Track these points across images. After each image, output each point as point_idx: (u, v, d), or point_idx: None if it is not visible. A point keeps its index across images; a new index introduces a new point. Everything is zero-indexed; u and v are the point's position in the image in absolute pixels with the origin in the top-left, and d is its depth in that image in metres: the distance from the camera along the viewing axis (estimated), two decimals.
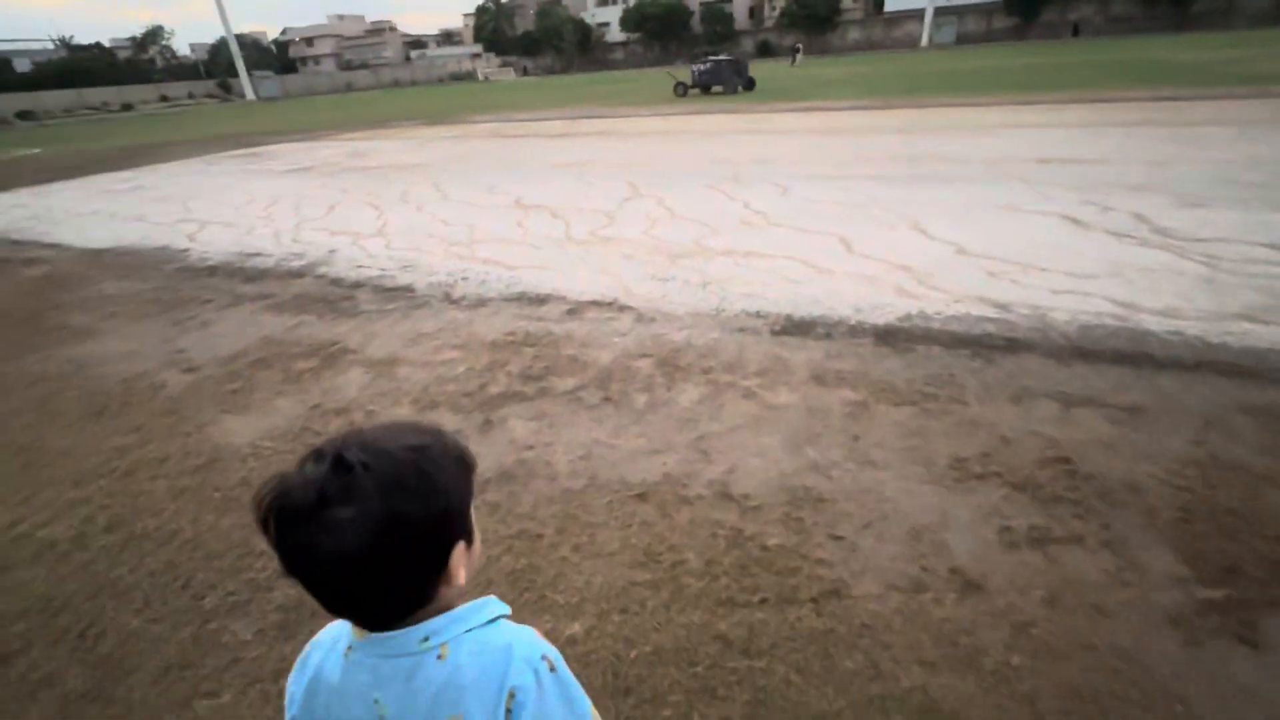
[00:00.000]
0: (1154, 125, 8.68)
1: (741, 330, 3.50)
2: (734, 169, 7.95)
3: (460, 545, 0.67)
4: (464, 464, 0.69)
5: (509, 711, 0.65)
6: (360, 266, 5.14)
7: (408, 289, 4.53)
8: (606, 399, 2.88)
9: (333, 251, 5.63)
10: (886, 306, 3.62)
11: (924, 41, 50.16)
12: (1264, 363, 2.75)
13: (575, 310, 3.91)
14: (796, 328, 3.47)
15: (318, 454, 0.61)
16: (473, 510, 0.71)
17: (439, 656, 0.65)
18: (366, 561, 0.59)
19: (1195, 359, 2.82)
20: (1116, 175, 6.11)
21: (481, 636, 0.68)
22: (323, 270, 5.14)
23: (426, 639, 0.66)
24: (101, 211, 8.48)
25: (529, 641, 0.70)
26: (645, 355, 3.27)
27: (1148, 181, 5.80)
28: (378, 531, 0.59)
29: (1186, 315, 3.22)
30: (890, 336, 3.28)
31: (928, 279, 3.95)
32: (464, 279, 4.64)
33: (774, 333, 3.44)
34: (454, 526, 0.66)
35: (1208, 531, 1.90)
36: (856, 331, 3.37)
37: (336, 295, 4.54)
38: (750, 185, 6.99)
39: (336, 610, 0.65)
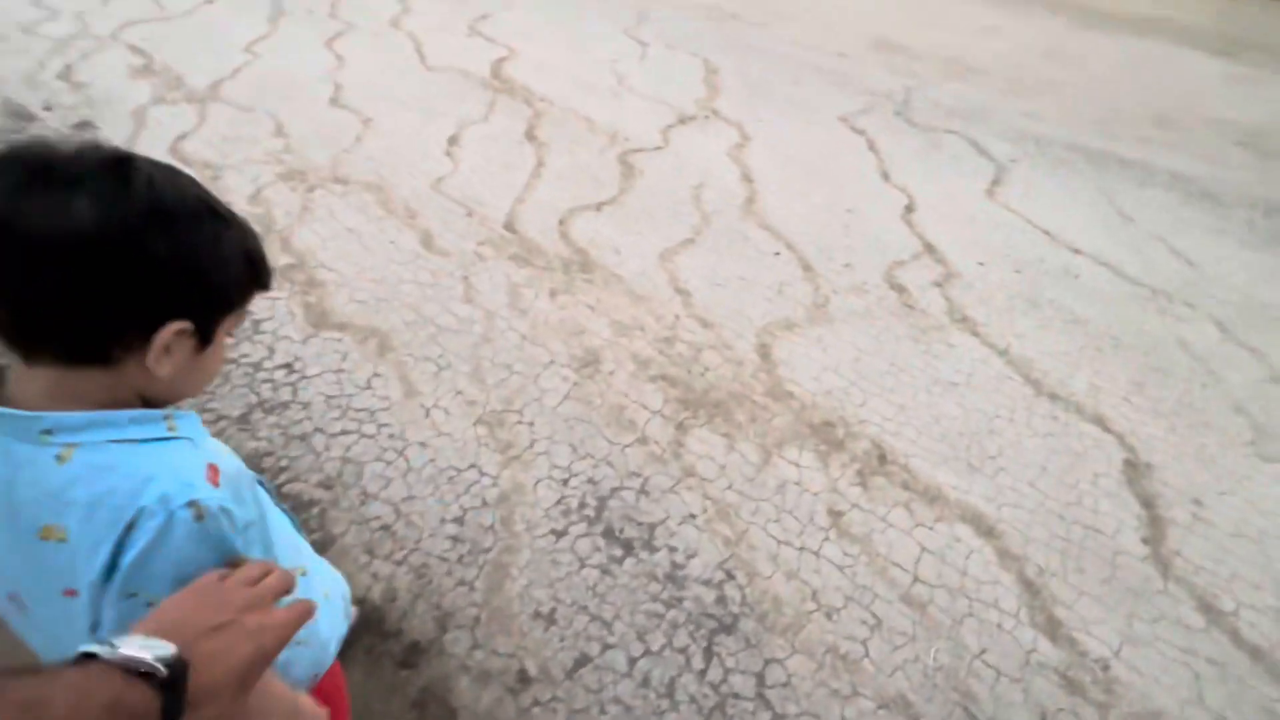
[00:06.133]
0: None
1: None
2: None
3: (182, 327, 0.54)
4: (251, 265, 0.60)
5: (121, 546, 0.51)
6: None
7: None
8: None
9: None
10: None
11: None
12: None
13: None
14: None
15: (96, 144, 0.51)
16: (226, 322, 0.59)
17: (58, 458, 0.52)
18: (62, 260, 0.48)
19: None
20: None
21: (124, 454, 0.54)
22: None
23: (49, 432, 0.52)
24: None
25: (184, 479, 0.54)
26: None
27: None
28: (103, 240, 0.48)
29: None
30: None
31: None
32: None
33: None
34: (189, 296, 0.54)
35: None
36: None
37: None
38: None
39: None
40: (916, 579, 1.54)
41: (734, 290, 2.37)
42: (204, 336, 0.57)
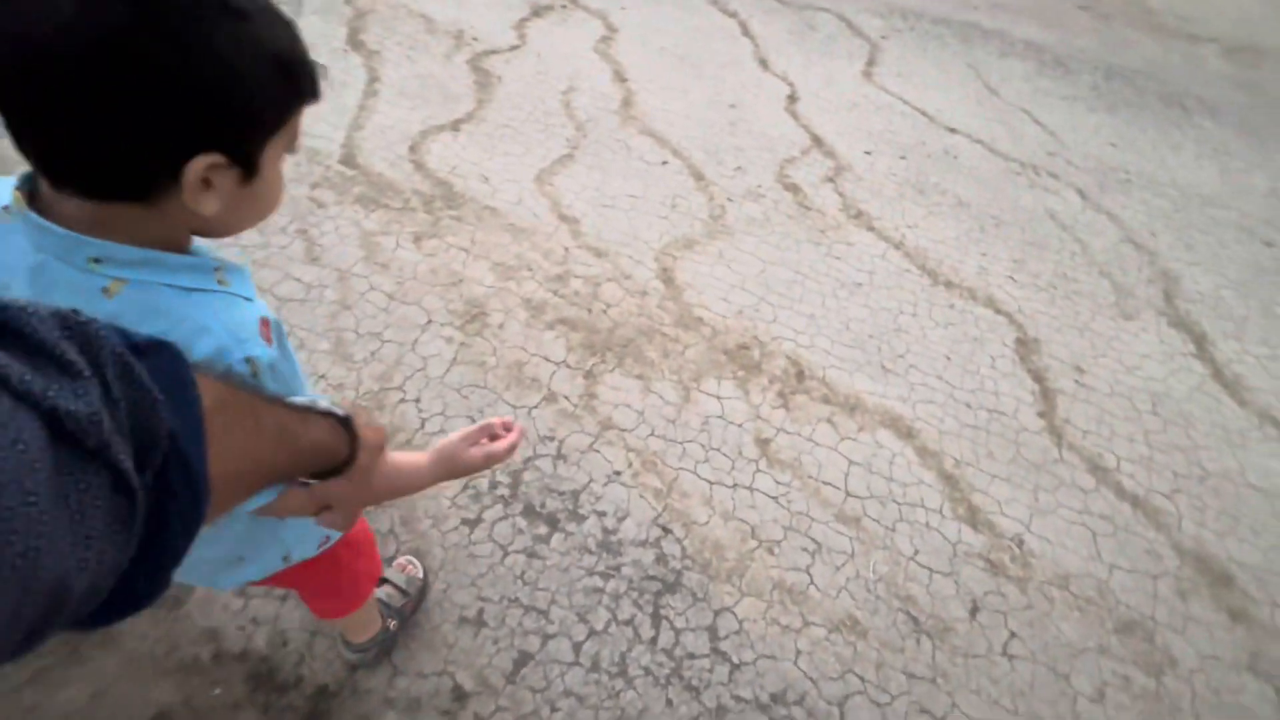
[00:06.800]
0: None
1: None
2: None
3: (212, 161, 0.45)
4: (285, 71, 0.47)
5: None
6: None
7: None
8: None
9: None
10: None
11: None
12: None
13: None
14: None
15: None
16: (272, 146, 0.49)
17: (104, 290, 0.47)
18: (43, 70, 0.39)
19: None
20: None
21: (176, 300, 0.49)
22: None
23: (98, 261, 0.47)
24: None
25: (238, 334, 0.50)
26: None
27: None
28: (89, 43, 0.39)
29: None
30: None
31: None
32: None
33: None
34: (209, 118, 0.44)
35: None
36: None
37: None
38: None
39: (13, 133, 0.42)
40: (848, 494, 1.54)
41: (624, 211, 2.15)
42: (246, 166, 0.48)
